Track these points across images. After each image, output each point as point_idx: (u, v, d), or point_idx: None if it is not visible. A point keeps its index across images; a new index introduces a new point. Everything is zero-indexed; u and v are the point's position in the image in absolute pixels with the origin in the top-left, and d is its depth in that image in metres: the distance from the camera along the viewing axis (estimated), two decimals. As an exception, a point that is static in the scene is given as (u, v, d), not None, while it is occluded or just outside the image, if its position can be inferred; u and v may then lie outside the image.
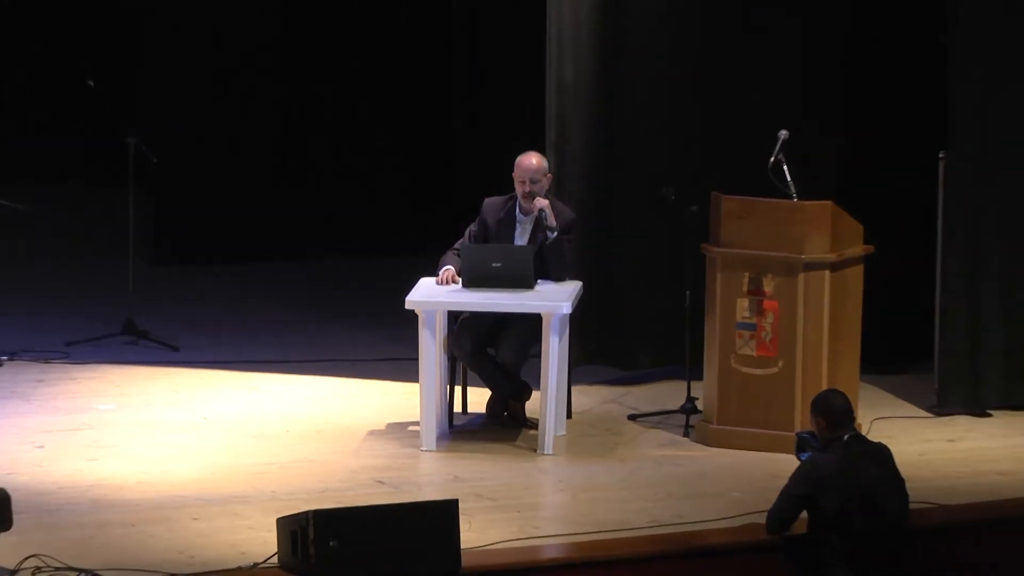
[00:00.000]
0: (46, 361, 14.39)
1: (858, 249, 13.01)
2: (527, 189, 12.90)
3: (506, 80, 15.67)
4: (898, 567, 11.12)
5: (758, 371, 12.86)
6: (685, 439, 13.21)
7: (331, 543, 10.58)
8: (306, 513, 10.64)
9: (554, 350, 12.69)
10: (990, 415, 13.73)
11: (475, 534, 11.10)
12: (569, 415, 13.28)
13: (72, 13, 20.04)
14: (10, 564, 10.63)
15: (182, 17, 17.48)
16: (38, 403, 13.66)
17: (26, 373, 14.16)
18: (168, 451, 12.82)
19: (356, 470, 12.51)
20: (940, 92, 14.45)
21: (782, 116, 13.63)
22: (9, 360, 14.33)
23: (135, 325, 14.69)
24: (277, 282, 16.27)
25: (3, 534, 10.67)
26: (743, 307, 12.91)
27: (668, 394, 13.69)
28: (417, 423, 12.93)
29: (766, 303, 12.84)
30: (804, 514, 11.11)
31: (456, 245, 13.08)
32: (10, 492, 10.78)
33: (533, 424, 13.02)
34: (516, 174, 12.98)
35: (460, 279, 12.95)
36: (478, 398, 13.49)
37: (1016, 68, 14.35)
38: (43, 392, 13.93)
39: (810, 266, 12.76)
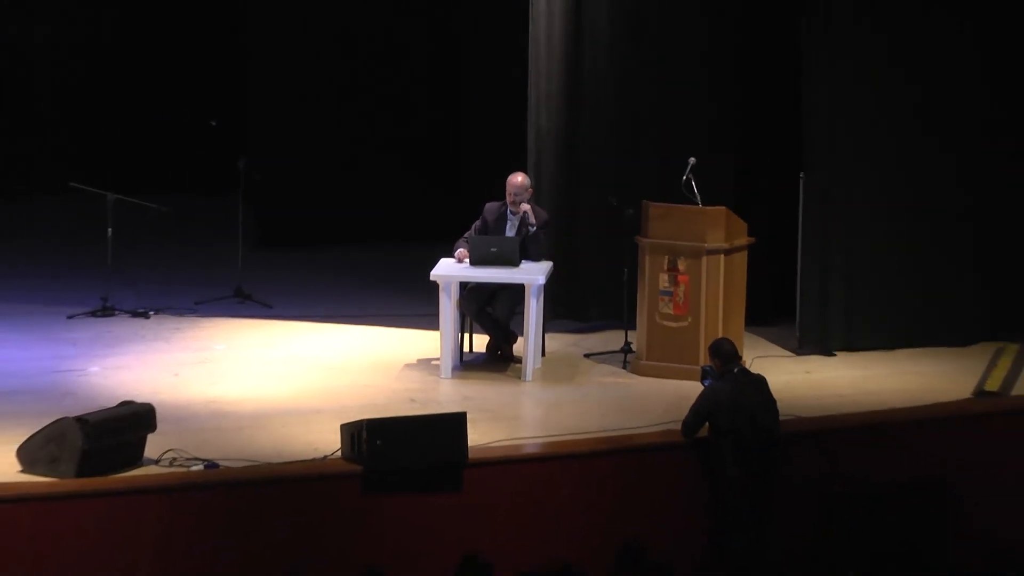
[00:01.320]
0: (180, 315, 14.61)
1: (743, 240, 13.30)
2: (514, 199, 13.25)
3: (501, 123, 15.58)
4: (769, 462, 11.43)
5: (674, 324, 13.14)
6: (623, 371, 13.45)
7: (377, 442, 10.91)
8: (361, 421, 11.02)
9: (533, 309, 13.03)
10: (834, 355, 13.95)
11: (477, 436, 11.38)
12: (543, 354, 13.42)
13: (196, 61, 19.48)
14: (154, 456, 11.09)
15: (277, 68, 17.26)
16: (174, 344, 13.89)
17: (166, 324, 14.34)
18: (264, 378, 13.14)
19: (395, 391, 12.80)
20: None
21: (694, 147, 13.67)
22: (155, 314, 14.50)
23: (242, 290, 14.86)
24: (343, 260, 16.31)
25: (150, 435, 11.17)
26: (663, 280, 13.15)
27: (612, 340, 13.86)
28: (438, 359, 13.20)
29: (679, 277, 13.09)
30: (706, 425, 11.42)
31: (465, 236, 13.33)
32: (155, 406, 11.27)
33: (517, 360, 13.35)
34: (507, 188, 13.29)
35: (468, 259, 13.17)
36: (480, 342, 13.67)
37: (853, 108, 14.20)
38: (178, 336, 14.16)
39: (710, 252, 13.02)
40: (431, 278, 13.13)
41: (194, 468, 11.13)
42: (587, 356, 13.80)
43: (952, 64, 14.30)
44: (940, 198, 14.29)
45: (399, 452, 11.09)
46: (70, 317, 14.18)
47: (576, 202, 14.38)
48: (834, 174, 14.03)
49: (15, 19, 19.06)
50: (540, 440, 12.01)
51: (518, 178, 13.38)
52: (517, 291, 13.20)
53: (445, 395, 12.82)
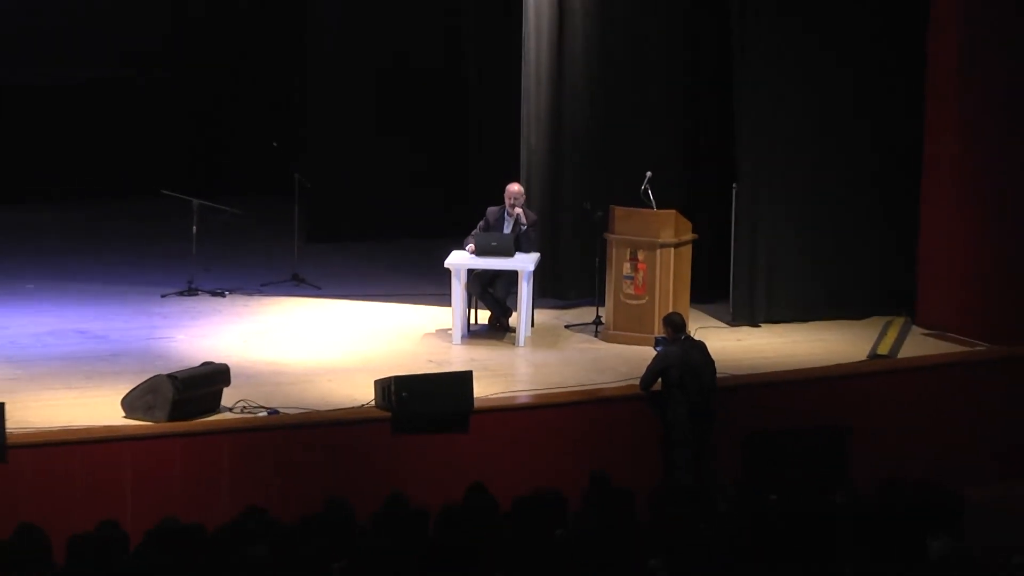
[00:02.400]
0: (248, 295, 14.41)
1: (688, 236, 13.28)
2: (510, 203, 13.23)
3: (500, 144, 15.25)
4: (708, 409, 11.50)
5: (634, 302, 13.11)
6: (595, 338, 13.39)
7: (403, 393, 11.02)
8: (390, 378, 11.16)
9: (524, 290, 13.00)
10: (760, 326, 13.88)
11: (481, 389, 11.43)
12: (532, 325, 13.32)
13: (261, 87, 18.59)
14: (228, 404, 11.19)
15: (329, 98, 16.79)
16: (244, 317, 13.83)
17: (238, 302, 14.27)
18: (313, 344, 13.10)
19: (418, 354, 12.79)
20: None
21: (651, 161, 13.67)
22: (229, 294, 14.31)
23: (298, 275, 14.63)
24: (376, 252, 15.98)
25: (225, 388, 11.28)
26: (626, 267, 13.14)
27: (586, 314, 13.75)
28: (450, 329, 13.13)
29: (639, 265, 13.08)
30: (659, 380, 11.50)
31: (472, 233, 13.24)
32: (229, 366, 11.42)
33: (512, 330, 13.31)
34: (506, 195, 13.27)
35: (474, 251, 13.08)
36: (483, 316, 13.62)
37: (772, 131, 14.05)
38: (247, 311, 14.03)
39: (662, 246, 13.01)
40: (445, 265, 13.11)
41: (259, 414, 11.24)
42: (567, 327, 13.73)
43: (847, 95, 14.31)
44: (843, 204, 14.30)
45: (420, 402, 11.18)
46: (163, 296, 14.13)
47: (558, 207, 14.26)
48: (758, 185, 13.96)
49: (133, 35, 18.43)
50: (530, 392, 12.13)
51: (514, 187, 13.39)
52: (512, 276, 13.18)
53: (456, 357, 12.75)
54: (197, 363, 11.59)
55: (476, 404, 11.37)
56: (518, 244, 13.17)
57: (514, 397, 11.94)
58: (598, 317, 13.52)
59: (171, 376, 11.03)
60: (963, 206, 13.83)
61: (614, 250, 13.26)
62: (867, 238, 14.31)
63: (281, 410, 11.31)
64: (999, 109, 13.67)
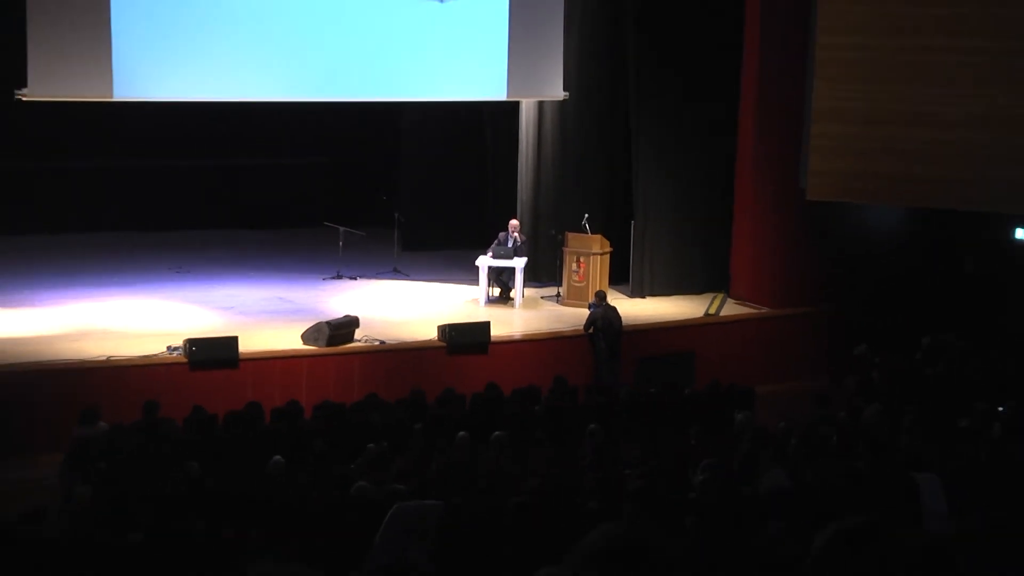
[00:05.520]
0: (368, 279, 13.65)
1: (608, 250, 12.88)
2: (511, 231, 12.91)
3: (508, 193, 14.26)
4: (616, 344, 11.40)
5: (578, 284, 12.84)
6: (557, 304, 12.99)
7: (453, 333, 11.00)
8: (446, 324, 11.06)
9: (519, 278, 12.85)
10: (646, 298, 13.39)
11: (494, 332, 11.31)
12: (522, 297, 12.98)
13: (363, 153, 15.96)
14: (358, 338, 11.00)
15: (414, 155, 15.24)
16: (367, 291, 13.20)
17: (363, 283, 13.50)
18: (402, 306, 12.70)
19: (460, 311, 12.41)
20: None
21: (588, 207, 13.07)
22: (358, 279, 13.48)
23: (397, 268, 13.99)
24: (441, 255, 14.82)
25: (356, 330, 11.00)
26: (574, 266, 12.87)
27: (552, 291, 13.34)
28: (478, 299, 12.89)
29: (581, 265, 12.83)
30: (592, 327, 11.36)
31: (491, 246, 12.88)
32: (358, 317, 11.09)
33: (512, 300, 12.98)
34: (509, 226, 12.95)
35: (491, 256, 12.80)
36: (495, 293, 13.14)
37: (658, 186, 13.14)
38: (368, 288, 13.32)
39: (594, 255, 12.76)
40: (475, 264, 12.92)
41: (375, 343, 11.11)
42: (542, 298, 13.43)
43: (702, 127, 13.13)
44: (698, 216, 13.48)
45: (461, 337, 11.11)
46: (323, 279, 13.71)
47: (538, 233, 13.81)
48: (646, 220, 13.45)
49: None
50: (520, 333, 11.99)
51: (513, 222, 13.16)
52: (512, 270, 12.95)
53: (480, 313, 12.44)
54: (341, 315, 11.44)
55: (492, 339, 11.30)
56: (516, 253, 12.97)
57: (512, 335, 11.83)
58: (559, 292, 13.32)
59: (327, 322, 10.97)
60: (757, 209, 13.16)
61: (567, 257, 13.07)
62: (706, 240, 13.72)
63: (387, 341, 11.19)
64: (783, 128, 12.77)
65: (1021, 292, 12.00)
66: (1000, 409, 8.25)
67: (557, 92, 13.23)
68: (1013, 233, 12.04)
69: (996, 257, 12.32)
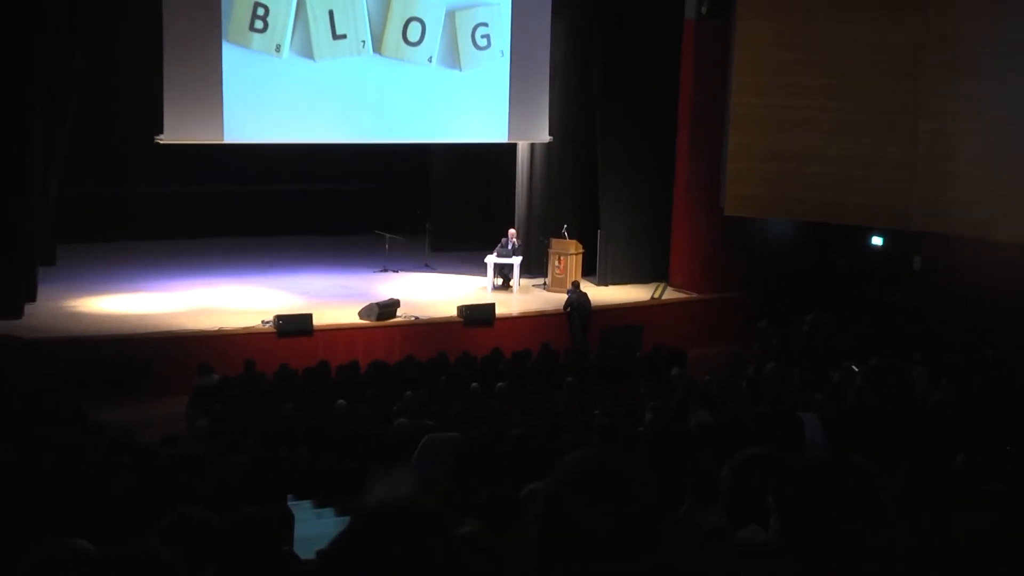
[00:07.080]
0: (406, 271, 13.14)
1: (581, 251, 12.64)
2: (511, 236, 12.72)
3: (508, 208, 13.56)
4: (588, 319, 11.25)
5: (559, 276, 12.59)
6: (544, 291, 12.67)
7: (466, 311, 10.83)
8: (464, 304, 10.92)
9: (516, 271, 12.66)
10: (609, 286, 13.02)
11: (498, 310, 11.18)
12: (519, 286, 12.71)
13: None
14: (400, 314, 10.78)
15: (445, 170, 14.25)
16: (404, 282, 12.65)
17: (402, 275, 13.18)
18: (433, 290, 12.46)
19: (473, 295, 12.23)
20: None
21: (566, 219, 12.54)
22: (399, 271, 13.09)
23: (428, 263, 13.60)
24: (460, 254, 13.87)
25: (398, 308, 10.83)
26: (555, 263, 12.65)
27: (540, 281, 13.00)
28: (486, 286, 12.64)
29: (561, 262, 12.60)
30: (569, 309, 11.24)
31: (495, 249, 12.67)
32: (399, 299, 10.94)
33: (511, 287, 12.74)
34: (508, 234, 12.77)
35: (496, 255, 12.60)
36: (499, 282, 12.88)
37: (619, 199, 12.55)
38: (405, 279, 12.81)
39: (570, 255, 12.48)
40: (484, 261, 12.73)
41: (411, 319, 11.00)
42: (533, 286, 13.13)
43: (654, 136, 12.56)
44: (648, 216, 12.73)
45: (474, 315, 10.98)
46: (375, 272, 13.38)
47: (529, 238, 13.47)
48: (607, 229, 13.00)
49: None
50: (518, 312, 11.86)
51: (512, 230, 12.94)
52: (511, 266, 12.75)
53: (488, 297, 12.27)
54: (387, 298, 11.34)
55: (496, 316, 11.21)
56: (514, 253, 12.80)
57: (511, 313, 11.72)
58: (545, 282, 13.07)
59: (377, 303, 10.91)
60: (689, 221, 12.78)
61: (551, 256, 12.80)
62: (652, 243, 12.99)
63: (420, 317, 11.09)
64: (708, 161, 12.40)
65: (875, 282, 12.16)
66: (855, 368, 8.39)
67: (544, 136, 13.18)
68: (870, 240, 12.35)
69: (858, 257, 12.59)
